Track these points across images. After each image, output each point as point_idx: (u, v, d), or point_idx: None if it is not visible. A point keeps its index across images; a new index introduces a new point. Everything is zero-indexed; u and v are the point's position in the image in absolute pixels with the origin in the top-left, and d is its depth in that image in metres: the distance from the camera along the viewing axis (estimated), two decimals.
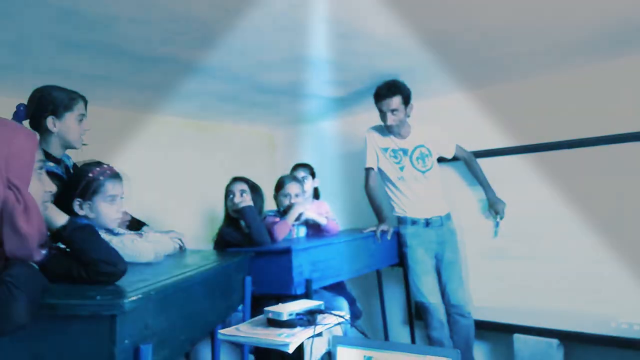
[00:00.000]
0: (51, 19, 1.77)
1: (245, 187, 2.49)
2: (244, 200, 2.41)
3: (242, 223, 2.43)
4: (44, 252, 1.08)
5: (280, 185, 2.73)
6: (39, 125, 1.74)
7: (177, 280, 1.31)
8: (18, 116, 1.70)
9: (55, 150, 1.76)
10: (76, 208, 1.49)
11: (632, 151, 2.47)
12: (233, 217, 2.49)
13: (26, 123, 1.72)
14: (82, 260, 1.15)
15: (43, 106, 1.73)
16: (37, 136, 1.07)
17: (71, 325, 1.00)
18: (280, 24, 1.93)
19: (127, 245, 1.47)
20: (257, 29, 1.96)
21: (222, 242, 2.40)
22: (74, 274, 1.15)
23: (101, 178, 1.51)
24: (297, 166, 3.09)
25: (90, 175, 1.49)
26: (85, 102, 1.83)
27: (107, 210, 1.50)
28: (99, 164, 1.56)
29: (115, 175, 1.57)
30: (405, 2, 1.78)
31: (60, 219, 1.18)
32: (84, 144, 1.82)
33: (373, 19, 1.92)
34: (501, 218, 2.81)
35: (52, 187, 1.13)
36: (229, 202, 2.50)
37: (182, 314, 1.35)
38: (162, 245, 1.73)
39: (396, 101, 2.63)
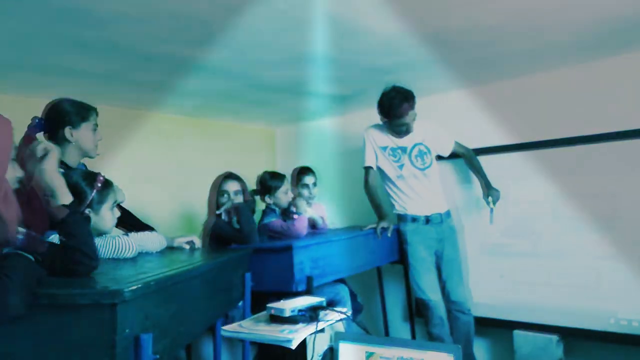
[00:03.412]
0: (53, 17, 1.78)
1: (238, 187, 2.46)
2: (237, 200, 2.42)
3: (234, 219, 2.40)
4: (20, 237, 1.08)
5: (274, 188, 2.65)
6: (55, 137, 1.79)
7: (175, 272, 1.32)
8: (36, 128, 1.73)
9: (71, 159, 1.81)
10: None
11: (632, 148, 2.47)
12: (220, 214, 2.43)
13: (40, 136, 1.75)
14: (66, 245, 1.16)
15: (60, 117, 1.79)
16: (12, 122, 1.07)
17: (72, 315, 1.00)
18: (280, 21, 1.93)
19: (108, 241, 1.55)
20: (257, 27, 1.97)
21: (215, 236, 2.37)
22: (56, 266, 1.14)
23: (108, 187, 1.61)
24: (305, 171, 3.03)
25: (99, 185, 1.58)
26: (97, 113, 1.90)
27: (109, 216, 1.61)
28: (92, 174, 1.62)
29: (112, 183, 1.66)
30: (405, 0, 1.79)
31: (62, 213, 1.19)
32: (97, 154, 1.89)
33: (373, 16, 1.92)
34: (494, 203, 2.73)
35: (19, 172, 1.14)
36: (222, 200, 2.46)
37: (182, 306, 1.36)
38: (143, 242, 1.80)
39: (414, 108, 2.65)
